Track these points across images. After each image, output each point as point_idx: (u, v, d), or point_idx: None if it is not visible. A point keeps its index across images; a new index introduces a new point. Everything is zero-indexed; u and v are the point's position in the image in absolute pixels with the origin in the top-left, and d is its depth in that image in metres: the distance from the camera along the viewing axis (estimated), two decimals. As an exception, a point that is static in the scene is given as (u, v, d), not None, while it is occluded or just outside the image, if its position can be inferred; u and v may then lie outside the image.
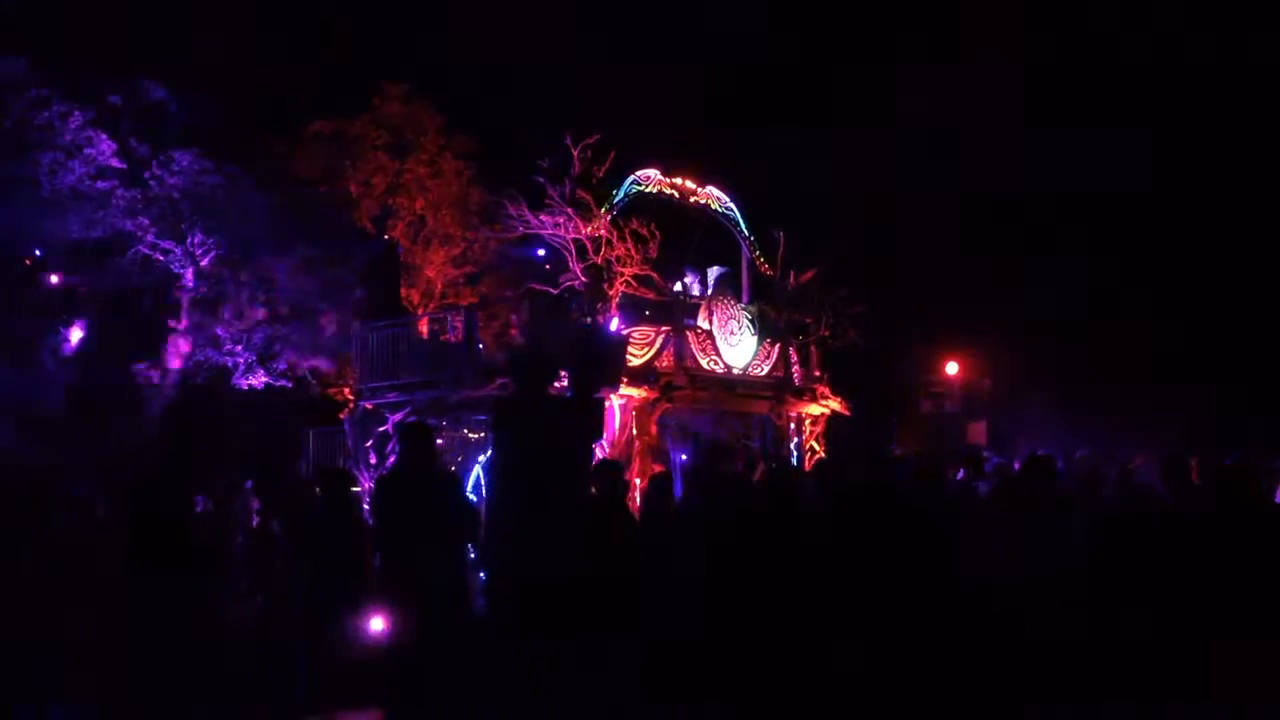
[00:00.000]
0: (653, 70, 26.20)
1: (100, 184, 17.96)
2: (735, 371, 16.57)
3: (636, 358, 15.29)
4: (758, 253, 17.99)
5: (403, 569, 6.16)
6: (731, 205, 17.90)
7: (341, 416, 18.11)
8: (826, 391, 17.75)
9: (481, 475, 16.08)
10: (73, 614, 6.47)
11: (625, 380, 14.71)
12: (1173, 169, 24.64)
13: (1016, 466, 9.75)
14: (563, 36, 25.35)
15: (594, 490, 7.85)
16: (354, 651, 6.94)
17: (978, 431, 21.42)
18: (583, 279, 15.59)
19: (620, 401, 15.02)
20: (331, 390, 19.20)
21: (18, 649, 6.19)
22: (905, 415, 24.11)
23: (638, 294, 16.05)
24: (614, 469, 8.24)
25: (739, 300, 17.24)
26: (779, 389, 17.11)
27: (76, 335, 18.08)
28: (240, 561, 9.22)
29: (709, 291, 17.00)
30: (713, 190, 17.68)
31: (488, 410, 15.59)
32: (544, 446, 6.20)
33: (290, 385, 19.25)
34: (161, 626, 6.21)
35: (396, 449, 15.77)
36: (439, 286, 21.01)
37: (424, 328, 18.66)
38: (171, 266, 18.73)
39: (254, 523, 11.52)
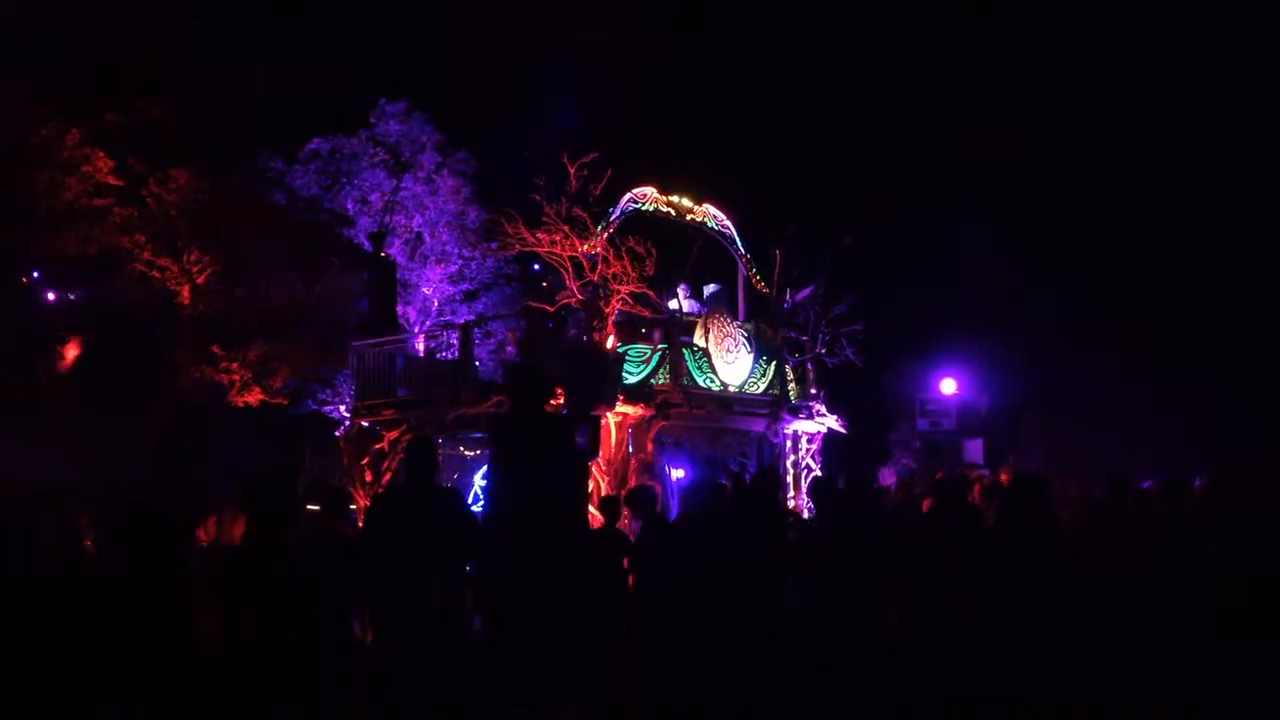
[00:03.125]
0: (650, 88, 26.29)
1: (97, 201, 17.96)
2: (731, 389, 16.57)
3: (633, 375, 15.30)
4: (754, 270, 18.02)
5: (399, 585, 6.13)
6: (728, 223, 17.94)
7: (338, 434, 18.09)
8: (823, 409, 17.75)
9: (479, 493, 16.08)
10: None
11: (621, 398, 14.71)
12: (1173, 175, 24.72)
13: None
14: (560, 55, 25.43)
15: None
16: (348, 670, 6.90)
17: (974, 450, 21.39)
18: (579, 297, 15.60)
19: (616, 419, 15.01)
20: (327, 408, 19.17)
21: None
22: (901, 433, 24.11)
23: (634, 312, 16.06)
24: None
25: (735, 318, 17.25)
26: (775, 407, 17.10)
27: (72, 353, 18.05)
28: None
29: (705, 309, 17.02)
30: (709, 208, 17.72)
31: (484, 428, 15.62)
32: (540, 464, 6.19)
33: (286, 403, 19.22)
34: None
35: (397, 466, 15.79)
36: (435, 304, 21.02)
37: (421, 345, 18.68)
38: (168, 284, 18.72)
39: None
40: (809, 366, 17.97)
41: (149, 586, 6.38)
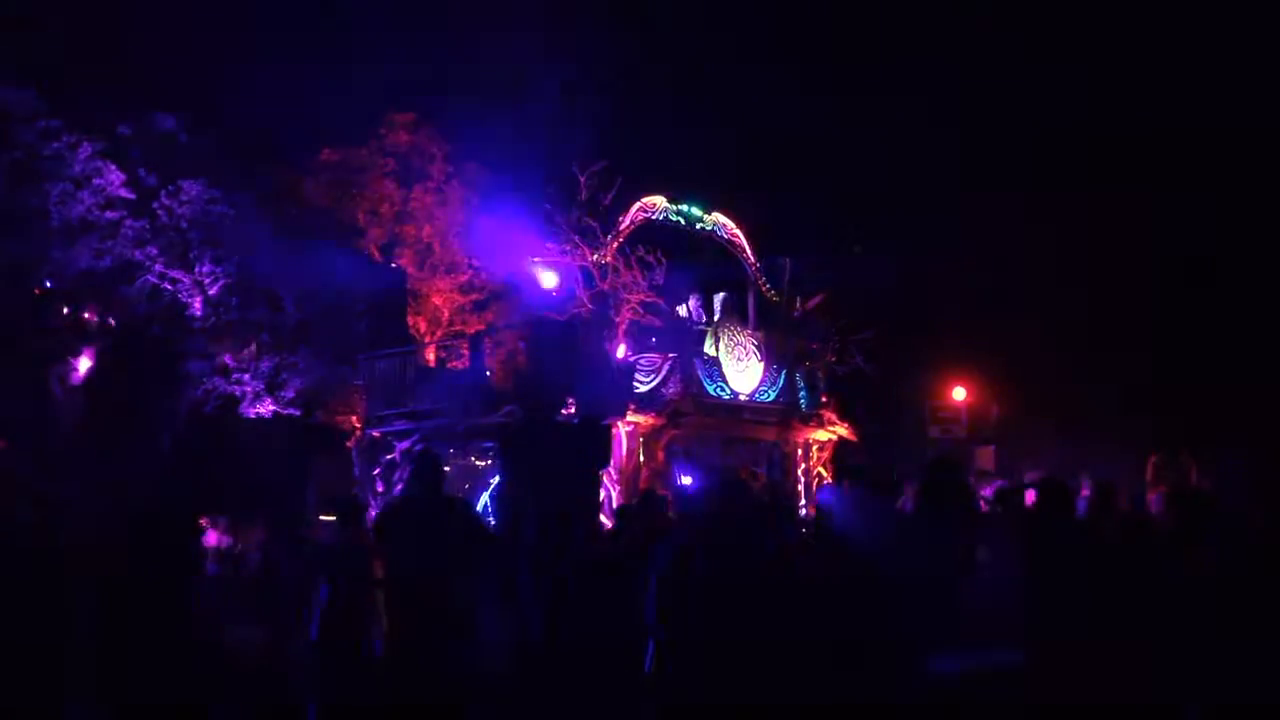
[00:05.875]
0: (659, 98, 26.32)
1: (109, 214, 18.03)
2: (742, 398, 16.56)
3: (643, 384, 15.30)
4: (764, 279, 18.02)
5: (412, 598, 6.14)
6: (737, 231, 17.95)
7: (349, 445, 18.11)
8: (834, 417, 17.73)
9: (489, 502, 16.09)
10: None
11: (632, 407, 14.72)
12: (1176, 185, 24.69)
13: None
14: (568, 63, 25.49)
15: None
16: (365, 682, 6.92)
17: (985, 457, 21.34)
18: (590, 306, 15.63)
19: (627, 428, 15.02)
20: (339, 419, 19.20)
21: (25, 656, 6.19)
22: (913, 441, 24.06)
23: (644, 321, 16.08)
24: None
25: (745, 326, 17.26)
26: (786, 415, 17.10)
27: (85, 364, 18.11)
28: (247, 591, 9.22)
29: (715, 318, 17.03)
30: (718, 216, 17.74)
31: (495, 438, 15.65)
32: (551, 473, 6.21)
33: (298, 414, 19.25)
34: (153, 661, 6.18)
35: (405, 477, 15.82)
36: (446, 314, 21.03)
37: (431, 355, 18.71)
38: (180, 296, 18.78)
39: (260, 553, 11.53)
40: (819, 375, 17.96)
41: (160, 595, 6.41)
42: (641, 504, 8.61)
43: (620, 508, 10.13)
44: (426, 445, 14.77)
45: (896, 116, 26.72)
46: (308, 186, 20.46)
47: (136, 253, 18.34)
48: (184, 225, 18.59)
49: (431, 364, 18.38)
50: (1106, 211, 25.27)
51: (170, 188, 18.54)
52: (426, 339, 20.00)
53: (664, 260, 16.09)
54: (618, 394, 14.53)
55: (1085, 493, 10.11)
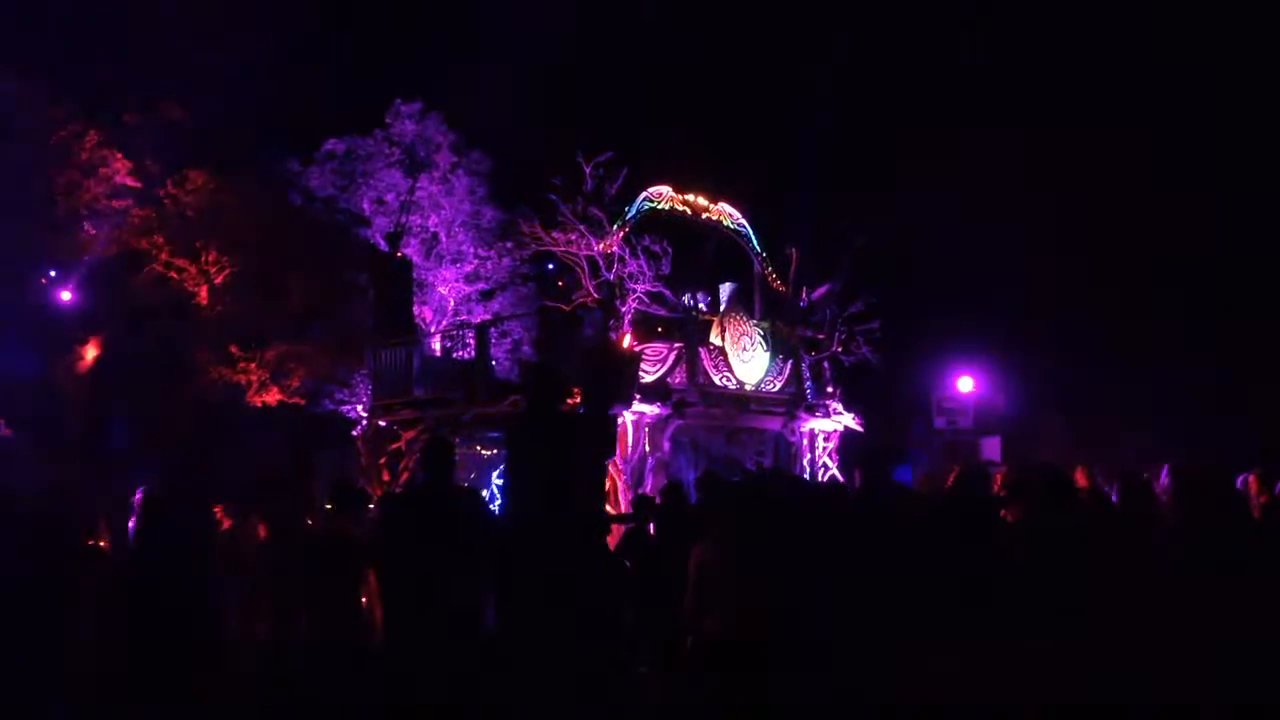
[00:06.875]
0: (666, 87, 26.28)
1: (115, 202, 18.04)
2: (748, 388, 16.54)
3: (649, 374, 15.28)
4: (769, 268, 17.98)
5: (416, 588, 6.11)
6: (744, 221, 17.91)
7: (355, 434, 18.12)
8: (839, 408, 17.70)
9: (495, 493, 16.10)
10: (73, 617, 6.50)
11: (638, 397, 14.70)
12: (1179, 168, 24.64)
13: None
14: (576, 53, 25.44)
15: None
16: (359, 679, 6.89)
17: (992, 447, 21.30)
18: (595, 296, 15.61)
19: (633, 418, 15.01)
20: (345, 408, 19.21)
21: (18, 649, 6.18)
22: (918, 431, 24.04)
23: (650, 310, 16.06)
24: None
25: (751, 316, 17.22)
26: (792, 405, 17.07)
27: (91, 353, 18.12)
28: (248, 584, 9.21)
29: (721, 307, 17.00)
30: (725, 206, 17.70)
31: (501, 427, 15.64)
32: (557, 463, 6.17)
33: (304, 403, 19.26)
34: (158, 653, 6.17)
35: (414, 466, 15.82)
36: (451, 304, 21.03)
37: (437, 345, 18.70)
38: (186, 285, 18.78)
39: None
40: (825, 365, 17.93)
41: (171, 583, 6.40)
42: (667, 498, 8.49)
43: (638, 497, 10.09)
44: (438, 432, 14.77)
45: (901, 110, 26.69)
46: (314, 175, 20.43)
47: (143, 241, 18.35)
48: (190, 214, 18.58)
49: (437, 354, 18.37)
50: (1112, 208, 25.25)
51: (176, 176, 18.53)
52: (432, 328, 19.99)
53: (670, 250, 16.07)
54: (624, 384, 14.53)
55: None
